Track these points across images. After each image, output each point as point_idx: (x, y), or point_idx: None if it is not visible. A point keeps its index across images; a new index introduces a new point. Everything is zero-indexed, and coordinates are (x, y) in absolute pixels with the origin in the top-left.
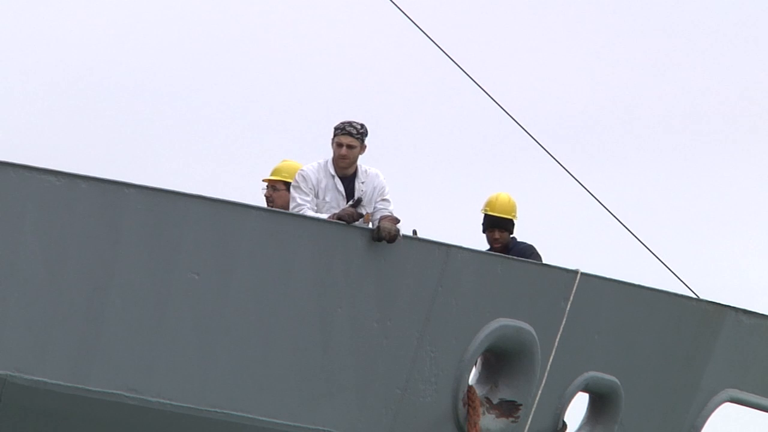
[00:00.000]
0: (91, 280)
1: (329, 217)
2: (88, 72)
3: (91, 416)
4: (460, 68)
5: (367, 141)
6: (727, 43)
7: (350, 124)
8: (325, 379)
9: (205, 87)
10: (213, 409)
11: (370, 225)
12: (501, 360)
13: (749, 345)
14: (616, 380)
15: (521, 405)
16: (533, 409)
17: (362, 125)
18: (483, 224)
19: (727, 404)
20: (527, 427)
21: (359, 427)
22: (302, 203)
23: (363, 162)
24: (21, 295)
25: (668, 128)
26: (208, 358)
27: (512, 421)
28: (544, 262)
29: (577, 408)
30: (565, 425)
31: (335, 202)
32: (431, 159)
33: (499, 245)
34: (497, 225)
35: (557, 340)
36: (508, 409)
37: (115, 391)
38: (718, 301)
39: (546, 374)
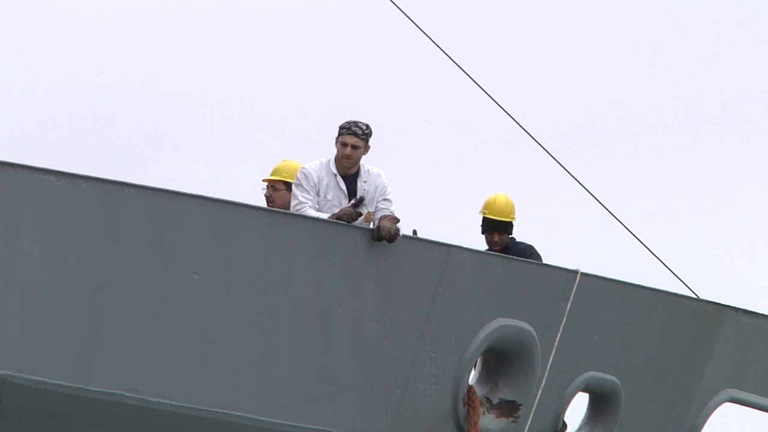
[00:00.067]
0: (91, 280)
1: (329, 217)
2: (88, 72)
3: (91, 416)
4: (461, 68)
5: (370, 142)
6: (727, 43)
7: (356, 124)
8: (325, 379)
9: (205, 87)
10: (213, 409)
11: (371, 225)
12: (501, 360)
13: (749, 345)
14: (616, 380)
15: (521, 405)
16: (533, 409)
17: (367, 126)
18: (482, 226)
19: (727, 404)
20: (527, 427)
21: (359, 427)
22: (304, 201)
23: (364, 161)
24: (21, 295)
25: (668, 128)
26: (208, 358)
27: (512, 421)
28: (544, 262)
29: (577, 408)
30: (565, 425)
31: (337, 201)
32: (431, 159)
33: (498, 247)
34: (496, 228)
35: (557, 340)
36: (508, 409)
37: (115, 391)
38: (718, 301)
39: (546, 374)
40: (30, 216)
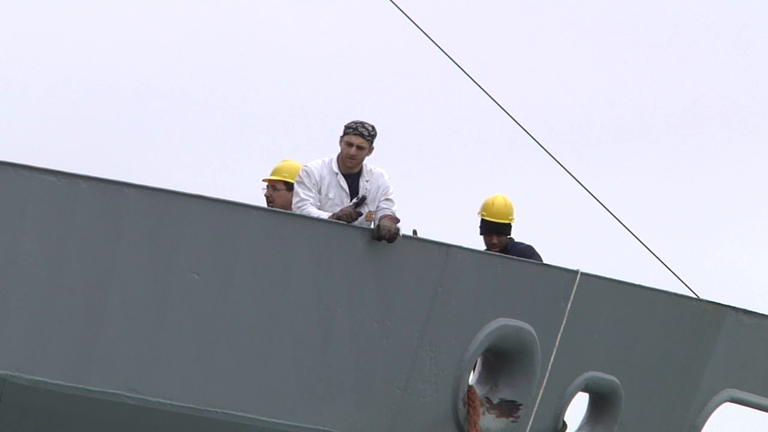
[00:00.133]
0: (91, 280)
1: (328, 217)
2: (88, 72)
3: (91, 416)
4: (461, 68)
5: (375, 143)
6: (727, 43)
7: (363, 125)
8: (325, 379)
9: (205, 87)
10: (213, 409)
11: (373, 224)
12: (501, 360)
13: (749, 345)
14: (616, 380)
15: (521, 405)
16: (534, 410)
17: (374, 127)
18: (480, 228)
19: (727, 404)
20: (529, 427)
21: (359, 427)
22: (305, 198)
23: (367, 161)
24: (21, 295)
25: (668, 128)
26: (208, 358)
27: (512, 421)
28: (544, 262)
29: (577, 408)
30: (565, 425)
31: (339, 200)
32: (431, 159)
33: (497, 249)
34: (495, 230)
35: (557, 340)
36: (508, 409)
37: (115, 391)
38: (718, 301)
39: (546, 374)
40: (30, 216)
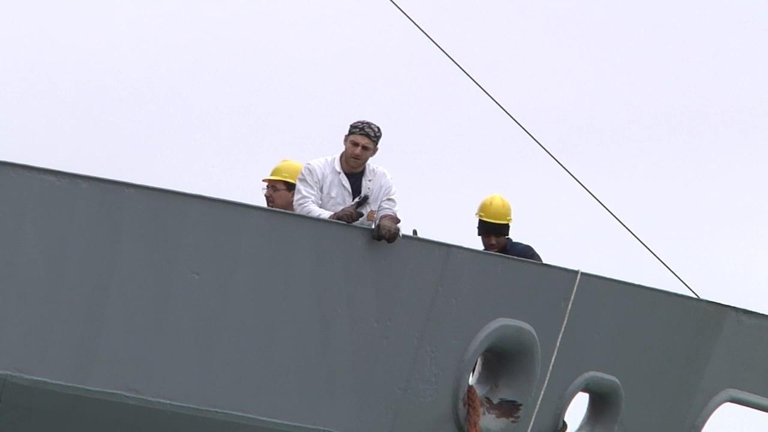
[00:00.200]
0: (91, 280)
1: (329, 217)
2: (88, 72)
3: (91, 416)
4: (461, 69)
5: (379, 144)
6: (728, 43)
7: (369, 125)
8: (325, 379)
9: (206, 87)
10: (213, 409)
11: (374, 224)
12: (501, 360)
13: (749, 345)
14: (616, 380)
15: (521, 405)
16: (535, 410)
17: (379, 128)
18: (478, 229)
19: (727, 404)
20: (529, 428)
21: (359, 427)
22: (307, 195)
23: (370, 161)
24: (21, 295)
25: (669, 128)
26: (208, 358)
27: (512, 421)
28: (544, 262)
29: (577, 408)
30: (565, 425)
31: (341, 198)
32: (431, 159)
33: (495, 250)
34: (493, 231)
35: (558, 340)
36: (509, 409)
37: (115, 391)
38: (718, 301)
39: (546, 374)
40: (30, 216)
